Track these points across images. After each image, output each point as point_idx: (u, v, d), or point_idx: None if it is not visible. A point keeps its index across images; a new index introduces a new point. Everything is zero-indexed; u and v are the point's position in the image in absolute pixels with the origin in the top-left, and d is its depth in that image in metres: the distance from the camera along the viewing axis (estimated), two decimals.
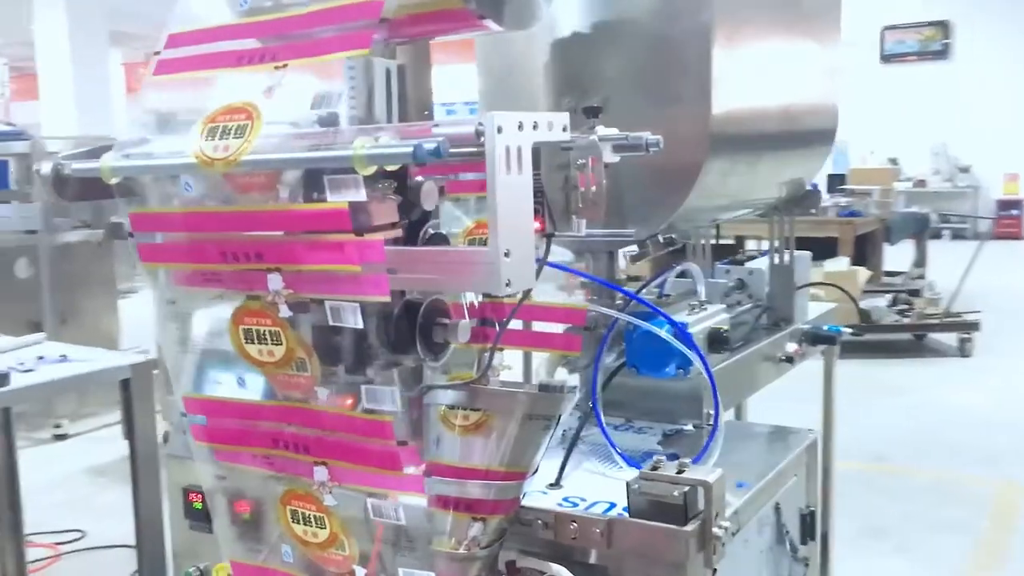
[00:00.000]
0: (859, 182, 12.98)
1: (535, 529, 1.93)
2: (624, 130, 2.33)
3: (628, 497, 1.89)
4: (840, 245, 10.64)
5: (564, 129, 1.53)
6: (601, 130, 1.71)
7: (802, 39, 2.76)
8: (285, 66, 1.57)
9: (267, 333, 1.59)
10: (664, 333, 2.14)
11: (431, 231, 1.71)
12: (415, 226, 1.65)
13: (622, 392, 2.47)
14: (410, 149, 1.29)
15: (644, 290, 2.43)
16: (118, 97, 18.25)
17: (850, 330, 3.39)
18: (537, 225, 1.67)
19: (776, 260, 3.19)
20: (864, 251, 11.38)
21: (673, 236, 2.38)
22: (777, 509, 2.31)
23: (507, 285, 1.41)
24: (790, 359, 3.05)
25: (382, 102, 2.07)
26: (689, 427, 2.57)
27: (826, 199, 10.86)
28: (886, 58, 20.76)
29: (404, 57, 2.24)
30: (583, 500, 2.08)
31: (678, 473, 1.87)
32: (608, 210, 2.40)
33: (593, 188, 1.67)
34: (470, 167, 1.78)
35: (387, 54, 2.20)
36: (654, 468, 1.90)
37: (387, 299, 1.39)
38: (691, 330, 2.31)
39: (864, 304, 9.47)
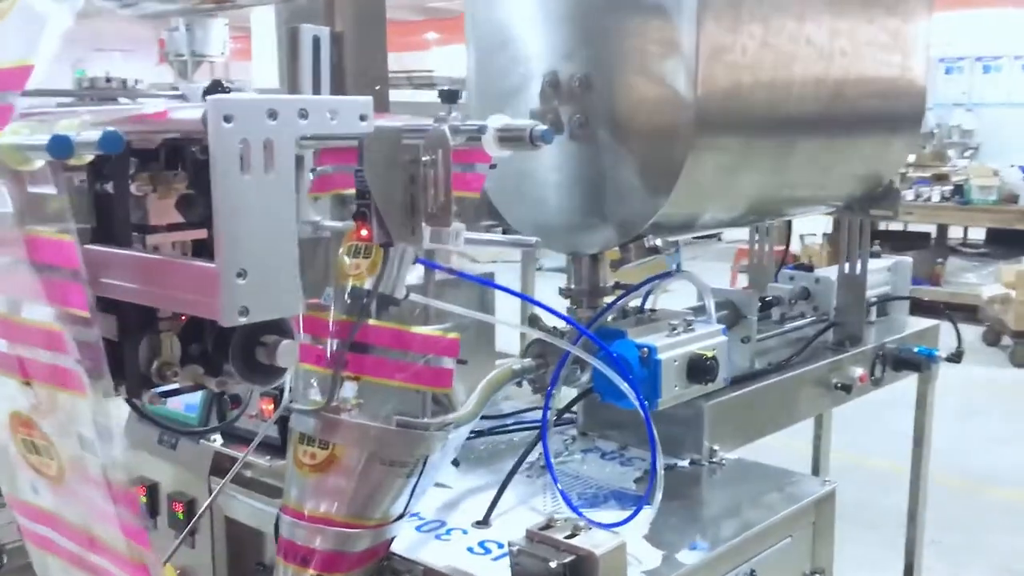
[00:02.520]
0: None
1: None
2: (606, 115, 1.99)
3: (510, 561, 1.56)
4: None
5: (363, 119, 1.21)
6: (454, 119, 1.37)
7: (862, 5, 2.26)
8: None
9: None
10: (594, 360, 1.77)
11: None
12: None
13: (621, 414, 2.12)
14: (44, 141, 1.03)
15: (620, 303, 2.06)
16: None
17: (945, 355, 2.86)
18: (364, 233, 1.37)
19: (846, 269, 2.71)
20: None
21: (657, 243, 1.99)
22: None
23: (242, 313, 1.12)
24: (847, 387, 2.58)
25: (308, 73, 1.82)
26: (684, 463, 2.19)
27: None
28: None
29: (349, 24, 1.97)
30: (500, 547, 1.77)
31: (568, 537, 1.52)
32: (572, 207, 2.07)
33: (441, 189, 1.36)
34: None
35: (324, 20, 1.93)
36: (546, 527, 1.56)
37: (81, 313, 1.13)
38: (661, 356, 1.93)
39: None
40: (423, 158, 1.35)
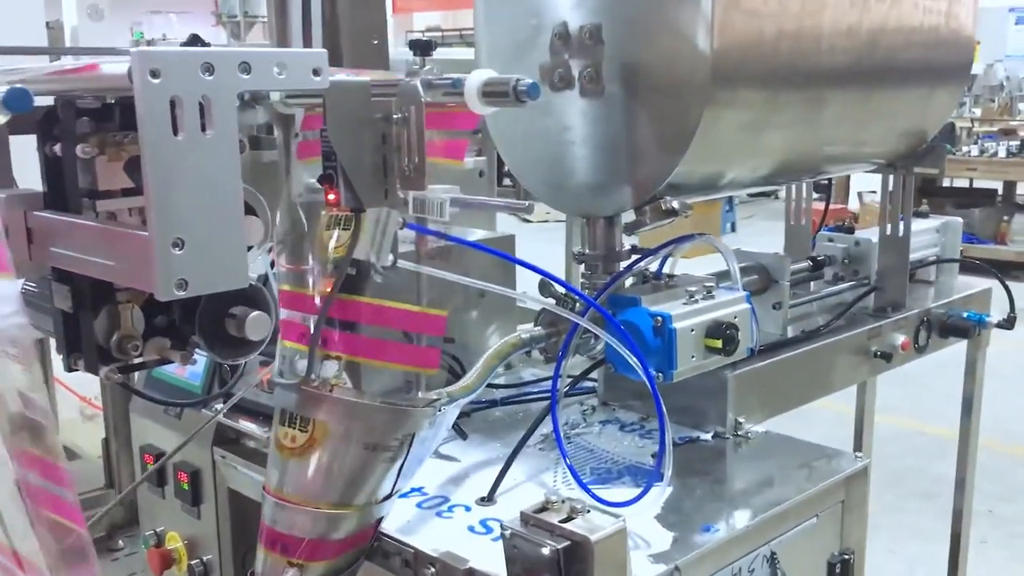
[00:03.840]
0: None
1: (393, 563, 1.55)
2: (618, 68, 1.85)
3: (504, 544, 1.46)
4: None
5: (317, 73, 1.10)
6: (428, 73, 1.25)
7: None
8: None
9: None
10: (599, 331, 1.65)
11: None
12: None
13: (642, 384, 1.99)
14: None
15: (634, 269, 1.92)
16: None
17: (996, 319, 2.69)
18: (332, 198, 1.27)
19: (888, 230, 2.53)
20: None
21: (675, 205, 1.85)
22: (772, 561, 1.78)
23: (180, 286, 1.02)
24: (887, 355, 2.42)
25: (297, 28, 1.71)
26: (707, 437, 2.06)
27: None
28: None
29: None
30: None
31: (564, 520, 1.41)
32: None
33: (414, 149, 1.24)
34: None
35: None
36: (543, 508, 1.45)
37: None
38: (676, 325, 1.80)
39: None
40: (394, 115, 1.24)
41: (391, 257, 1.47)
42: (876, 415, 3.31)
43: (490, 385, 2.23)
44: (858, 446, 3.22)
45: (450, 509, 1.76)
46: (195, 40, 1.55)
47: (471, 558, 1.54)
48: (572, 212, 2.02)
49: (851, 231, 2.66)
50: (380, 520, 1.52)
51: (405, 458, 1.45)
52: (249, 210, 1.30)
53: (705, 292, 1.89)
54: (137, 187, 1.21)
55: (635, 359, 1.62)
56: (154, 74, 0.97)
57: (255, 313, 1.31)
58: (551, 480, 1.87)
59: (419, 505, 1.76)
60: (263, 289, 1.36)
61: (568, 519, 1.42)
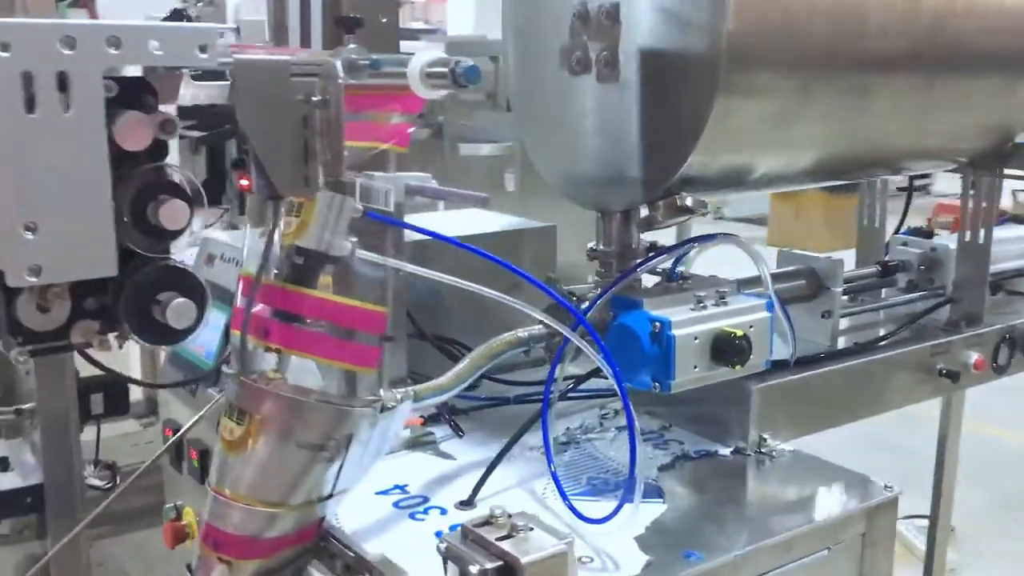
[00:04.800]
0: None
1: (335, 566, 1.48)
2: (633, 50, 1.71)
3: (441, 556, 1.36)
4: None
5: (204, 50, 1.02)
6: (351, 52, 1.16)
7: None
8: None
9: None
10: (566, 331, 1.52)
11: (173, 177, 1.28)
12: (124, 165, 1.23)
13: None
14: None
15: (640, 270, 1.78)
16: None
17: None
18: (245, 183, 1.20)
19: (967, 236, 2.28)
20: None
21: (688, 202, 1.69)
22: None
23: (34, 272, 0.97)
24: (953, 374, 2.19)
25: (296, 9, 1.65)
26: (726, 452, 1.90)
27: None
28: None
29: None
30: None
31: (502, 538, 1.31)
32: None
33: (333, 133, 1.16)
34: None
35: None
36: (485, 523, 1.35)
37: None
38: (676, 332, 1.65)
39: None
40: (314, 97, 1.15)
41: (347, 246, 1.40)
42: (994, 429, 3.03)
43: (506, 382, 2.13)
44: (940, 462, 2.95)
45: (426, 511, 1.67)
46: (177, 16, 1.51)
47: (421, 567, 1.45)
48: (585, 205, 1.88)
49: (929, 235, 2.42)
50: (322, 520, 1.45)
51: (344, 459, 1.37)
52: (180, 193, 1.25)
53: (718, 298, 1.73)
54: None
55: (606, 365, 1.48)
56: (4, 47, 0.92)
57: (178, 300, 1.26)
58: (541, 488, 1.76)
59: (396, 504, 1.68)
60: (195, 275, 1.31)
61: (507, 536, 1.31)
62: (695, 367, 1.68)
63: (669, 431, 2.01)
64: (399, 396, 1.45)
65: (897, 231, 2.49)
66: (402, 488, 1.74)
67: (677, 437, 1.98)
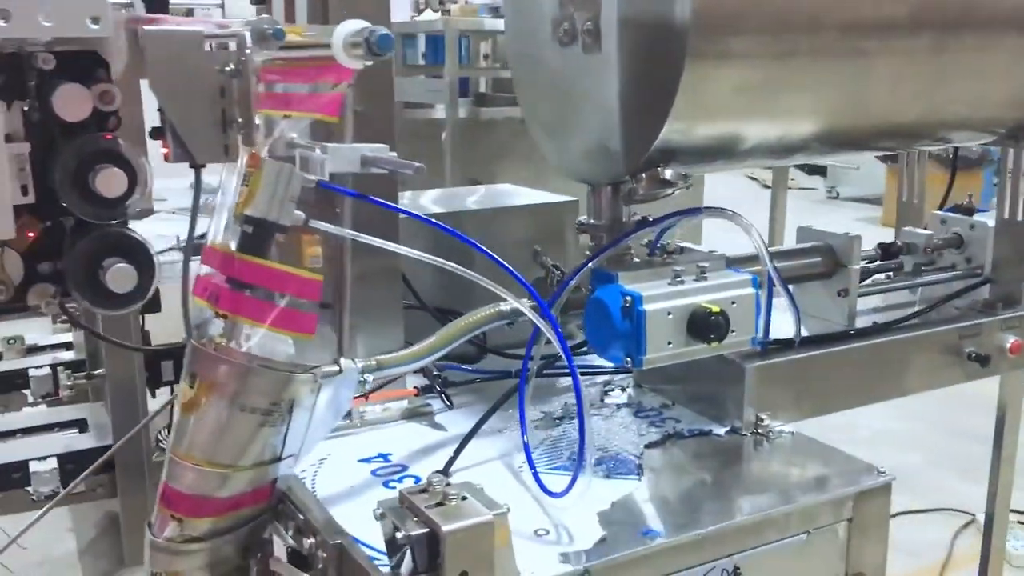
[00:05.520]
0: None
1: (289, 527, 1.49)
2: (613, 18, 1.66)
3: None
4: None
5: (95, 21, 1.04)
6: (262, 21, 1.16)
7: None
8: None
9: None
10: (522, 306, 1.49)
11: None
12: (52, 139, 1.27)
13: (679, 367, 1.82)
14: None
15: (625, 241, 1.73)
16: None
17: None
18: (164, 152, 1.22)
19: (1006, 214, 2.14)
20: None
21: (667, 175, 1.63)
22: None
23: None
24: (983, 358, 2.05)
25: None
26: (720, 431, 1.84)
27: None
28: None
29: None
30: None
31: (433, 506, 1.30)
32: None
33: (243, 102, 1.17)
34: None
35: None
36: (423, 490, 1.34)
37: None
38: (647, 307, 1.60)
39: None
40: (226, 67, 1.16)
41: (301, 216, 1.41)
42: None
43: (508, 355, 2.12)
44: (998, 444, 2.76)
45: (401, 479, 1.68)
46: None
47: (371, 532, 1.46)
48: (574, 177, 1.84)
49: (970, 212, 2.27)
50: (274, 481, 1.47)
51: (288, 424, 1.39)
52: (121, 162, 1.28)
53: (698, 272, 1.66)
54: None
55: (556, 339, 1.45)
56: None
57: (117, 265, 1.29)
58: (521, 460, 1.74)
59: (374, 472, 1.70)
60: (144, 243, 1.34)
61: (439, 504, 1.31)
62: (669, 343, 1.63)
63: (670, 409, 1.96)
64: (344, 365, 1.46)
65: (941, 207, 2.35)
66: (385, 457, 1.76)
67: (676, 415, 1.93)
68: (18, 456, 3.04)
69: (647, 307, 1.59)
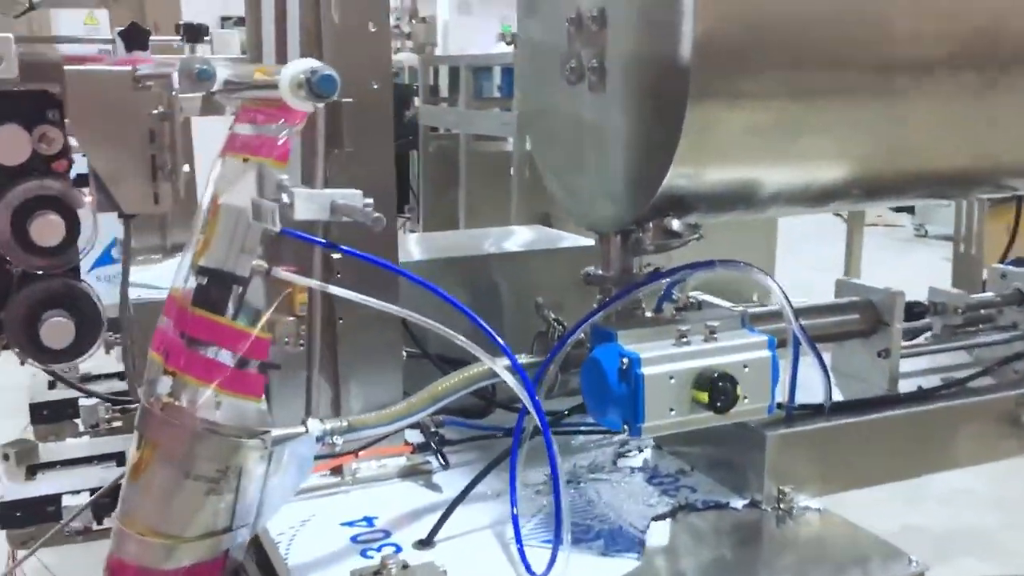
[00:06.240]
0: None
1: None
2: (617, 55, 1.52)
3: None
4: None
5: None
6: (193, 60, 1.06)
7: None
8: None
9: None
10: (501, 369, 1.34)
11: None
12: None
13: (700, 430, 1.67)
14: None
15: (633, 296, 1.57)
16: None
17: None
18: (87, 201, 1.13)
19: None
20: None
21: (673, 225, 1.47)
22: None
23: None
24: None
25: (270, 14, 1.57)
26: (738, 504, 1.66)
27: None
28: None
29: None
30: None
31: None
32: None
33: (175, 147, 1.07)
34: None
35: None
36: (376, 572, 1.21)
37: None
38: (646, 369, 1.43)
39: None
40: (154, 110, 1.06)
41: (262, 265, 1.30)
42: None
43: (516, 409, 1.96)
44: None
45: (379, 548, 1.54)
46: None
47: None
48: (583, 224, 1.70)
49: None
50: (226, 553, 1.35)
51: (236, 492, 1.27)
52: (62, 208, 1.19)
53: (707, 333, 1.49)
54: None
55: (528, 400, 1.31)
56: None
57: (52, 319, 1.19)
58: (511, 530, 1.58)
59: (354, 538, 1.56)
60: (89, 294, 1.25)
61: None
62: (671, 410, 1.46)
63: (688, 475, 1.79)
64: (311, 426, 1.34)
65: (1002, 260, 2.12)
66: (370, 520, 1.62)
67: (693, 483, 1.75)
68: (53, 489, 3.00)
69: (646, 370, 1.43)
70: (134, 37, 1.19)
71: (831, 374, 1.84)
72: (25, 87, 1.13)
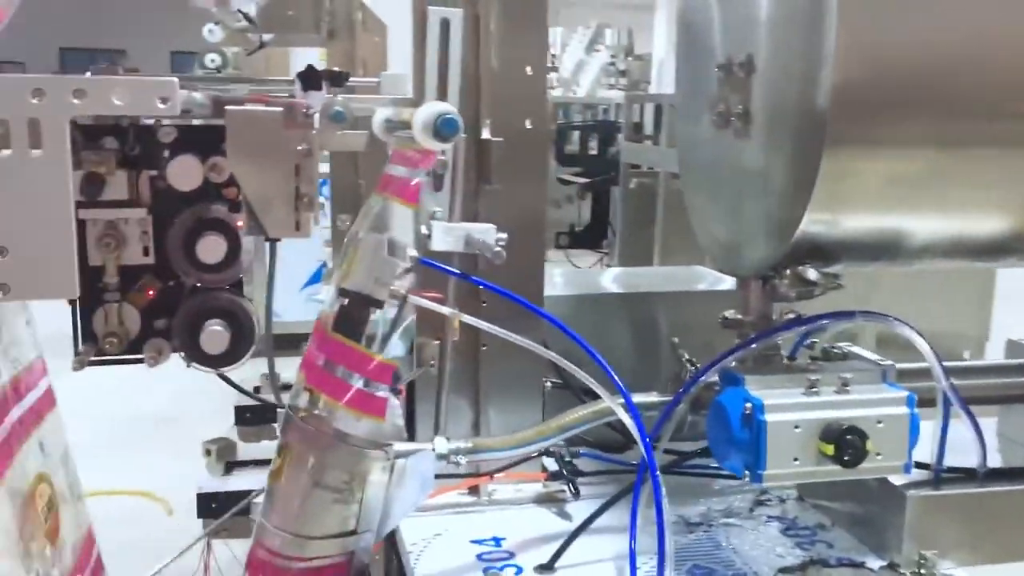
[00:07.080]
0: None
1: None
2: (762, 102, 1.51)
3: None
4: None
5: (165, 101, 1.08)
6: (334, 102, 1.16)
7: None
8: None
9: None
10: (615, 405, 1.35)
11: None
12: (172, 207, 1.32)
13: (848, 484, 1.64)
14: None
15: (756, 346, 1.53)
16: None
17: None
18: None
19: None
20: None
21: (810, 274, 1.43)
22: None
23: (4, 290, 1.08)
24: None
25: (433, 57, 1.68)
26: (874, 566, 1.58)
27: None
28: None
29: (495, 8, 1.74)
30: None
31: None
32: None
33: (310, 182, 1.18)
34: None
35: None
36: None
37: None
38: (769, 416, 1.40)
39: None
40: (299, 147, 1.17)
41: (391, 291, 1.38)
42: None
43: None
44: None
45: (502, 568, 1.58)
46: None
47: None
48: (721, 267, 1.68)
49: None
50: (351, 555, 1.43)
51: (361, 500, 1.35)
52: (224, 230, 1.32)
53: (840, 384, 1.44)
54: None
55: (640, 438, 1.31)
56: None
57: (211, 328, 1.33)
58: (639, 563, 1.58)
59: (479, 556, 1.62)
60: (248, 310, 1.38)
61: None
62: (795, 459, 1.42)
63: (827, 531, 1.72)
64: (437, 444, 1.41)
65: None
66: (498, 541, 1.67)
67: (830, 538, 1.69)
68: (245, 485, 3.25)
69: (769, 416, 1.40)
70: (309, 79, 1.31)
71: (997, 439, 1.73)
72: (206, 122, 1.28)
